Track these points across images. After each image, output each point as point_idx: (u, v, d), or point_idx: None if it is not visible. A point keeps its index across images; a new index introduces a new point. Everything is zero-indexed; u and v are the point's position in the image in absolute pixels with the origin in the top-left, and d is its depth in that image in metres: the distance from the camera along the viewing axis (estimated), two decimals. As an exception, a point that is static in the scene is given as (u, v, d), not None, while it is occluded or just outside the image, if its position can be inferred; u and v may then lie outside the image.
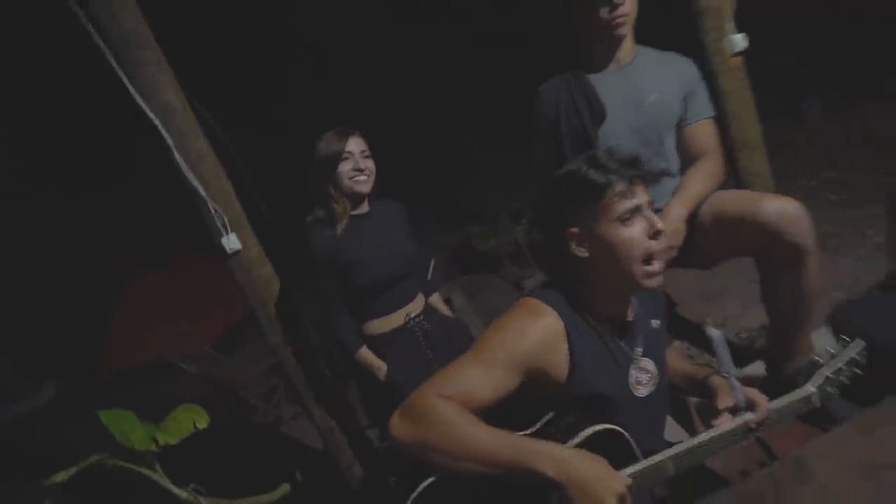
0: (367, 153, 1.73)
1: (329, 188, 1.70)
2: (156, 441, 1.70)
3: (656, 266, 1.01)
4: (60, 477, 1.58)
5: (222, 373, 3.56)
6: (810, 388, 1.01)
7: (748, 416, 1.00)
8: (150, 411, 1.85)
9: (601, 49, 1.71)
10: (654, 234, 1.00)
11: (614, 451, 0.95)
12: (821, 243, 2.58)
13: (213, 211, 1.63)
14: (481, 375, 0.95)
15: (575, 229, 1.03)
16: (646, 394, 1.08)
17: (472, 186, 5.21)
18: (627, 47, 1.71)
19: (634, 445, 0.98)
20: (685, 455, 0.97)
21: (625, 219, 0.99)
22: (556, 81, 1.78)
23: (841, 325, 1.49)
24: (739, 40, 1.89)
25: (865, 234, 2.85)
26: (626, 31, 1.66)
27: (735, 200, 1.58)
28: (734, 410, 1.03)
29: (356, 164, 1.69)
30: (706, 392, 1.11)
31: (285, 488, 2.05)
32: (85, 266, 5.09)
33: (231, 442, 2.96)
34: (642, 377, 1.07)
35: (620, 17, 1.60)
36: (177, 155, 1.59)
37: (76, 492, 2.64)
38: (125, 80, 1.47)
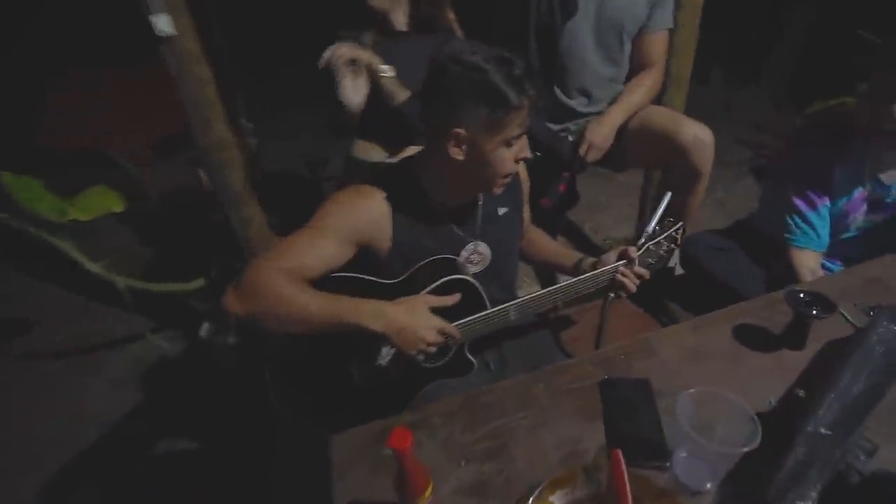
0: None
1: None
2: (65, 213, 1.39)
3: (503, 184, 0.92)
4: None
5: (156, 174, 3.08)
6: (635, 255, 1.01)
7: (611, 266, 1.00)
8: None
9: None
10: (519, 160, 0.89)
11: (469, 301, 0.93)
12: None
13: (143, -20, 1.18)
14: (313, 248, 0.86)
15: (461, 131, 0.82)
16: (476, 271, 1.02)
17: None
18: None
19: (484, 295, 0.95)
20: (526, 304, 0.96)
21: (510, 142, 0.84)
22: None
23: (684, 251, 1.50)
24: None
25: (714, 188, 2.95)
26: None
27: (662, 117, 1.47)
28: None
29: None
30: (576, 269, 1.09)
31: (200, 282, 1.86)
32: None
33: (154, 234, 2.65)
34: (473, 258, 1.01)
35: None
36: None
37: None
38: None
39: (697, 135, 1.36)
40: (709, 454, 0.58)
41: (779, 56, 4.27)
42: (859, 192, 1.14)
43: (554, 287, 0.97)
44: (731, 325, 0.88)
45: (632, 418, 0.70)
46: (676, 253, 1.52)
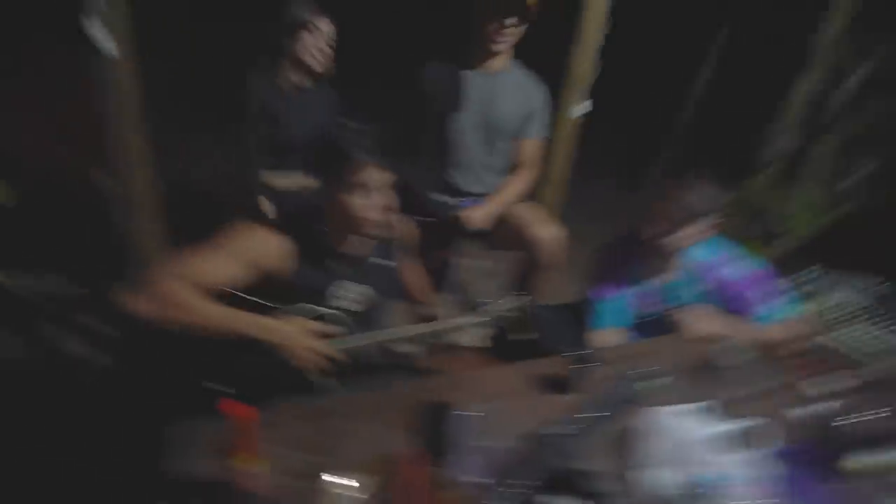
0: (333, 41, 1.67)
1: (292, 49, 1.63)
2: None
3: (369, 228, 1.12)
4: None
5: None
6: (485, 318, 1.23)
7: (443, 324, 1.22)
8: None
9: (480, 52, 1.72)
10: (379, 209, 1.09)
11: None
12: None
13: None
14: (214, 264, 1.02)
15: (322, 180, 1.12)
16: (358, 309, 1.22)
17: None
18: (501, 60, 1.73)
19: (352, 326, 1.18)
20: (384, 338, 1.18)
21: (352, 189, 1.06)
22: (443, 67, 1.75)
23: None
24: (581, 109, 2.10)
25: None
26: (503, 49, 1.69)
27: (519, 214, 1.83)
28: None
29: (318, 42, 1.63)
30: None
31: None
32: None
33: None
34: (353, 297, 1.21)
35: (501, 39, 1.65)
36: None
37: None
38: None
39: (545, 235, 1.72)
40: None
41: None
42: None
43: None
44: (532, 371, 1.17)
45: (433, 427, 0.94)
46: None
